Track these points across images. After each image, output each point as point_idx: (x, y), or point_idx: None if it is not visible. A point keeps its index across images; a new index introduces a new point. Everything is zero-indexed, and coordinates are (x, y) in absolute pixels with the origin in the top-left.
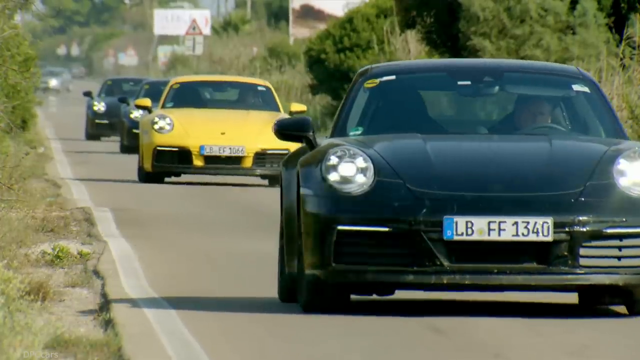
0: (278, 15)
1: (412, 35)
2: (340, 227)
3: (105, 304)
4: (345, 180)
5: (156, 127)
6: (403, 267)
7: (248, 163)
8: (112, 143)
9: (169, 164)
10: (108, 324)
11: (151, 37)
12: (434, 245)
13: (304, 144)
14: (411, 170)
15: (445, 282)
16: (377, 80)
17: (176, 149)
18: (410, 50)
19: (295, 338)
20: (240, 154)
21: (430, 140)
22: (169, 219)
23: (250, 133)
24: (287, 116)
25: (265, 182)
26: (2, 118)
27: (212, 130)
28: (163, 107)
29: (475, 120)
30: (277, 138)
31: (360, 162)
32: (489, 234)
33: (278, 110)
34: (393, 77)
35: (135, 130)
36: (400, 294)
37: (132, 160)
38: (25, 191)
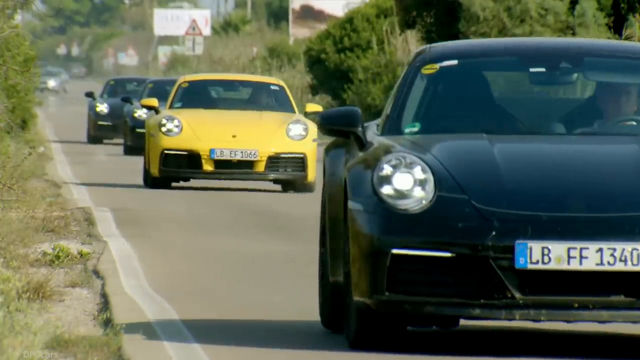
0: (278, 16)
1: (412, 35)
2: (395, 251)
3: (105, 304)
4: (400, 194)
5: (164, 129)
6: (468, 300)
7: (261, 167)
8: (115, 146)
9: (177, 169)
10: (108, 324)
11: (151, 37)
12: (505, 275)
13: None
14: (477, 184)
15: (517, 317)
16: (437, 66)
17: (185, 153)
18: (410, 50)
19: (295, 337)
20: (252, 158)
21: (498, 142)
22: (169, 219)
23: (263, 136)
24: (302, 118)
25: (278, 187)
26: (2, 118)
27: (223, 132)
28: (171, 107)
29: (550, 115)
30: (321, 132)
31: (419, 172)
32: (568, 263)
33: (292, 111)
34: (455, 62)
35: (139, 130)
36: (466, 322)
37: (136, 162)
38: (25, 191)
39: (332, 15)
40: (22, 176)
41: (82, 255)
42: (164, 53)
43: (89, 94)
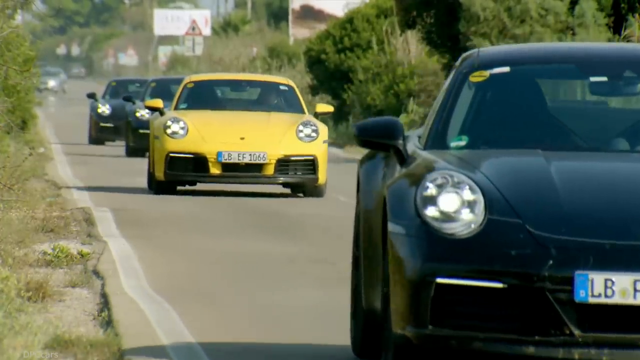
0: (278, 16)
1: (412, 35)
2: (439, 280)
3: (105, 304)
4: (446, 217)
5: (169, 131)
6: (521, 336)
7: (270, 170)
8: (117, 148)
9: (183, 172)
10: (108, 324)
11: (151, 37)
12: (562, 309)
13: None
14: (533, 206)
15: (576, 356)
16: (487, 73)
17: (191, 156)
18: (410, 51)
19: (295, 337)
20: (261, 161)
21: (555, 159)
22: (169, 219)
23: (272, 138)
24: (312, 119)
25: (286, 190)
26: (1, 118)
27: (230, 134)
28: (176, 108)
29: (611, 129)
30: (358, 144)
31: (467, 192)
32: (634, 297)
33: (302, 111)
34: (507, 69)
35: (141, 131)
36: None
37: (138, 163)
38: (25, 191)
39: (332, 15)
40: (22, 176)
41: (82, 255)
42: (164, 53)
43: (91, 95)
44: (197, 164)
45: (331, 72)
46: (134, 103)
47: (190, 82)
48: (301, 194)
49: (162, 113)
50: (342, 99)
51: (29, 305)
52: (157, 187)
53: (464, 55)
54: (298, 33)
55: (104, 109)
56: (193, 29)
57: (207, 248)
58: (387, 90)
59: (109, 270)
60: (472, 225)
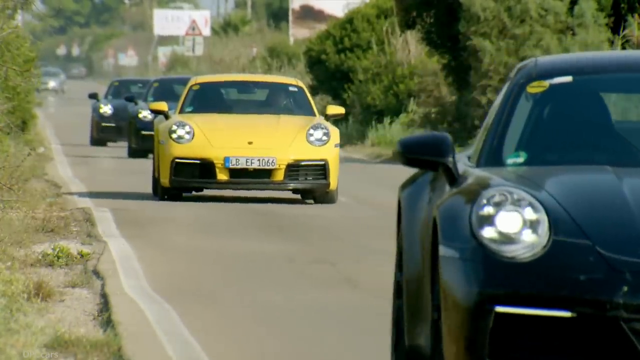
0: (278, 16)
1: (412, 36)
2: (499, 309)
3: (105, 304)
4: (506, 238)
5: (174, 136)
6: None
7: (279, 176)
8: (119, 149)
9: (189, 179)
10: (108, 324)
11: (151, 37)
12: (639, 341)
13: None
14: (604, 226)
15: None
16: (546, 83)
17: (197, 161)
18: (410, 51)
19: (295, 337)
20: (270, 166)
21: (627, 176)
22: (169, 219)
23: (282, 142)
24: (323, 121)
25: (298, 196)
26: (1, 118)
27: (238, 139)
28: (181, 112)
29: None
30: (402, 162)
31: (529, 211)
32: None
33: (313, 114)
34: (569, 78)
35: (144, 132)
36: None
37: (140, 164)
38: (25, 191)
39: (332, 15)
40: (22, 177)
41: (82, 255)
42: (163, 53)
43: (93, 95)
44: (203, 170)
45: (331, 72)
46: (136, 103)
47: (196, 83)
48: (311, 201)
49: (166, 116)
50: (342, 99)
51: (29, 306)
52: (162, 193)
53: (520, 65)
54: (298, 33)
55: (106, 109)
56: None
57: (207, 248)
58: (387, 91)
59: (109, 270)
60: (535, 248)
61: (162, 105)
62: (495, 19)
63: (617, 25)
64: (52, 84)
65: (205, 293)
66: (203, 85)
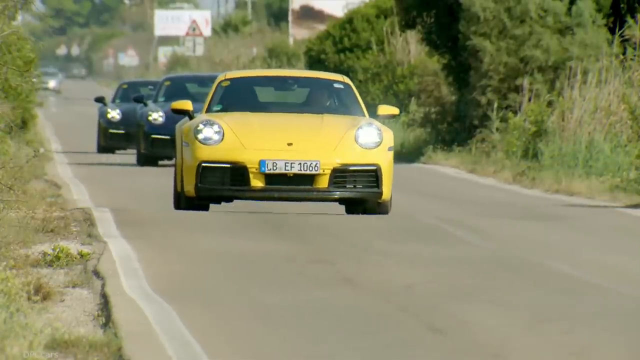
0: (278, 16)
1: (412, 36)
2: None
3: (105, 304)
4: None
5: (200, 136)
6: None
7: (323, 183)
8: (128, 156)
9: (219, 186)
10: (108, 324)
11: (151, 37)
12: None
13: None
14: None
15: None
16: (229, 80)
17: (228, 166)
18: (410, 51)
19: (295, 337)
20: (313, 172)
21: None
22: (169, 219)
23: (327, 143)
24: (374, 121)
25: (342, 208)
26: (1, 118)
27: (276, 140)
28: (208, 111)
29: None
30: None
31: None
32: None
33: (362, 113)
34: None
35: (155, 136)
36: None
37: (152, 174)
38: (25, 191)
39: (332, 15)
40: (22, 177)
41: (82, 255)
42: (164, 54)
43: (99, 99)
44: (235, 176)
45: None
46: (145, 105)
47: (226, 79)
48: (361, 213)
49: (191, 117)
50: None
51: (29, 306)
52: (186, 204)
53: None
54: (298, 33)
55: (114, 114)
56: (193, 29)
57: (207, 248)
58: (386, 91)
59: (109, 270)
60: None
61: (187, 104)
62: (495, 19)
63: (616, 25)
64: (52, 83)
65: (205, 293)
66: (234, 82)
